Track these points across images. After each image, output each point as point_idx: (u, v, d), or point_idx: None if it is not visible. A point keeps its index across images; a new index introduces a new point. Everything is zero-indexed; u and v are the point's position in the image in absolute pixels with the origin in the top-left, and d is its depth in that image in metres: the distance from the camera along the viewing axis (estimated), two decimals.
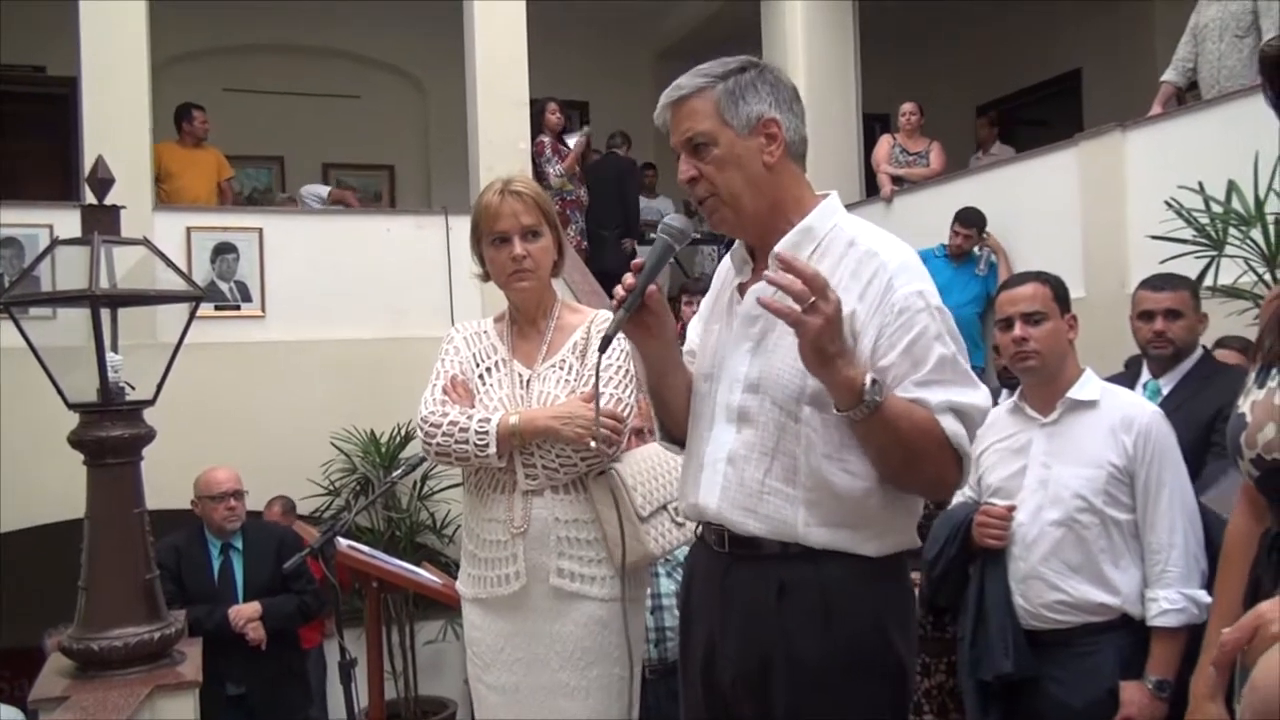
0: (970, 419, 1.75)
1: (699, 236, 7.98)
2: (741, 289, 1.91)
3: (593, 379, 2.29)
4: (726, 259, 2.01)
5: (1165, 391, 3.24)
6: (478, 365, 2.41)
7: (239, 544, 4.51)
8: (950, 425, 1.72)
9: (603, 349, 1.87)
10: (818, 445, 1.77)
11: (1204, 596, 2.39)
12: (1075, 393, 2.59)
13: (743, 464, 1.83)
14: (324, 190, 8.49)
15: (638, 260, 1.85)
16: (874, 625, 1.80)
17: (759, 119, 1.81)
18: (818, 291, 1.61)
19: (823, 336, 1.62)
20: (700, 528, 1.96)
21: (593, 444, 2.20)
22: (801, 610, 1.79)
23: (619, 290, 1.80)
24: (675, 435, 2.03)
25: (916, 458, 1.73)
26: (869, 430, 1.70)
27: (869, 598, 1.80)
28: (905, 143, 7.81)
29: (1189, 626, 2.41)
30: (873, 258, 1.78)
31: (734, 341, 1.89)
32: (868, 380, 1.66)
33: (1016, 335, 2.61)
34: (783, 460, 1.80)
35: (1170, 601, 2.44)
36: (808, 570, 1.79)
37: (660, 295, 1.89)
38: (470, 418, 2.26)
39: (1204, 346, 3.35)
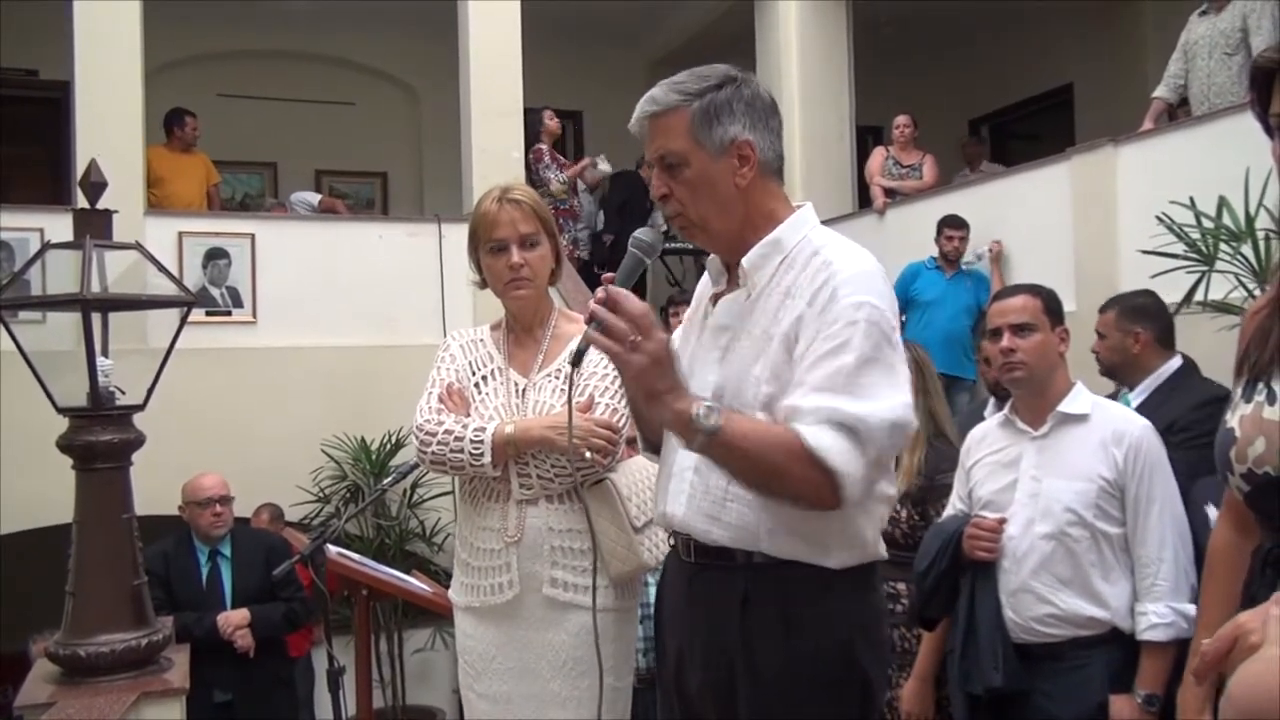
0: (857, 432, 1.66)
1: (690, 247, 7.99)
2: (715, 299, 1.92)
3: (588, 388, 2.29)
4: (709, 266, 2.01)
5: (1134, 404, 3.27)
6: (473, 373, 2.40)
7: (227, 550, 4.48)
8: (816, 438, 1.65)
9: (575, 363, 1.84)
10: None
11: (1193, 610, 2.39)
12: (1066, 406, 2.60)
13: (708, 472, 1.82)
14: (314, 198, 8.49)
15: (608, 274, 1.82)
16: (836, 637, 1.79)
17: (732, 141, 1.79)
18: (643, 331, 1.63)
19: (647, 375, 1.65)
20: (672, 536, 1.97)
21: (587, 454, 2.20)
22: (763, 620, 1.79)
23: (591, 304, 1.79)
24: (658, 446, 2.04)
25: (773, 476, 1.70)
26: (712, 455, 1.72)
27: (831, 610, 1.79)
28: (899, 155, 7.84)
29: (1178, 640, 2.41)
30: (827, 266, 1.77)
31: (704, 351, 1.90)
32: (697, 410, 1.65)
33: (1004, 346, 2.62)
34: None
35: (1159, 615, 2.45)
36: (769, 580, 1.79)
37: None
38: (466, 426, 2.26)
39: (1182, 355, 3.37)
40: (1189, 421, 3.00)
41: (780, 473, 1.68)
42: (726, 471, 1.74)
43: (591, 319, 1.71)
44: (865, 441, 1.67)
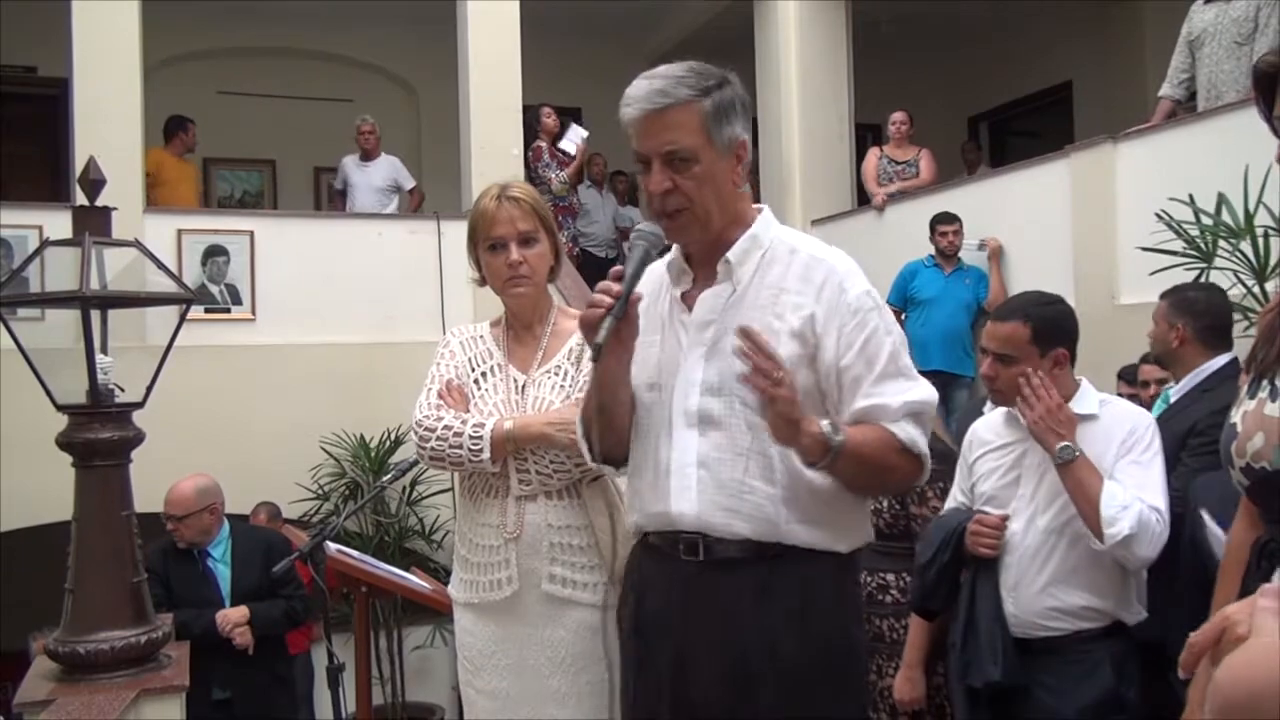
0: (925, 415, 1.85)
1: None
2: (686, 298, 1.94)
3: (588, 385, 2.29)
4: (652, 271, 1.98)
5: (1173, 400, 3.27)
6: (473, 370, 2.41)
7: (216, 553, 4.45)
8: (906, 432, 1.81)
9: (596, 358, 1.82)
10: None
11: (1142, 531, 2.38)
12: (1073, 406, 2.59)
13: (717, 466, 1.84)
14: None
15: (618, 268, 1.82)
16: (843, 621, 1.89)
17: (736, 140, 1.84)
18: (780, 365, 1.71)
19: (792, 406, 1.72)
20: (649, 538, 1.95)
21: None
22: (781, 610, 1.81)
23: (602, 298, 1.77)
24: (617, 454, 2.00)
25: (882, 473, 1.85)
26: (838, 469, 1.78)
27: (840, 595, 1.89)
28: (893, 153, 7.81)
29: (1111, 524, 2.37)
30: (820, 263, 1.87)
31: (687, 349, 1.89)
32: (825, 428, 1.75)
33: (984, 373, 2.65)
34: (758, 459, 1.83)
35: (1123, 500, 2.40)
36: (787, 570, 1.83)
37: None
38: (465, 423, 2.26)
39: (1234, 356, 3.32)
40: (1206, 426, 2.91)
41: (889, 468, 1.84)
42: (839, 479, 1.80)
43: (604, 310, 1.74)
44: (927, 423, 1.87)
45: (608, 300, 1.77)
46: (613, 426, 1.95)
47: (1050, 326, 2.62)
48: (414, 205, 8.31)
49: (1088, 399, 2.61)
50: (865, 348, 1.81)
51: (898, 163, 7.73)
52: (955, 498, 2.83)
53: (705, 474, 1.84)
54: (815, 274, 1.85)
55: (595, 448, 1.98)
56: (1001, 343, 2.61)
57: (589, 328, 1.78)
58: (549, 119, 8.13)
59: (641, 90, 1.81)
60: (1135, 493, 2.44)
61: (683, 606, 1.86)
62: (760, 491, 1.82)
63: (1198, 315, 3.31)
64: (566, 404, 2.27)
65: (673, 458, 1.87)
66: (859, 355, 1.81)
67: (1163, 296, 3.41)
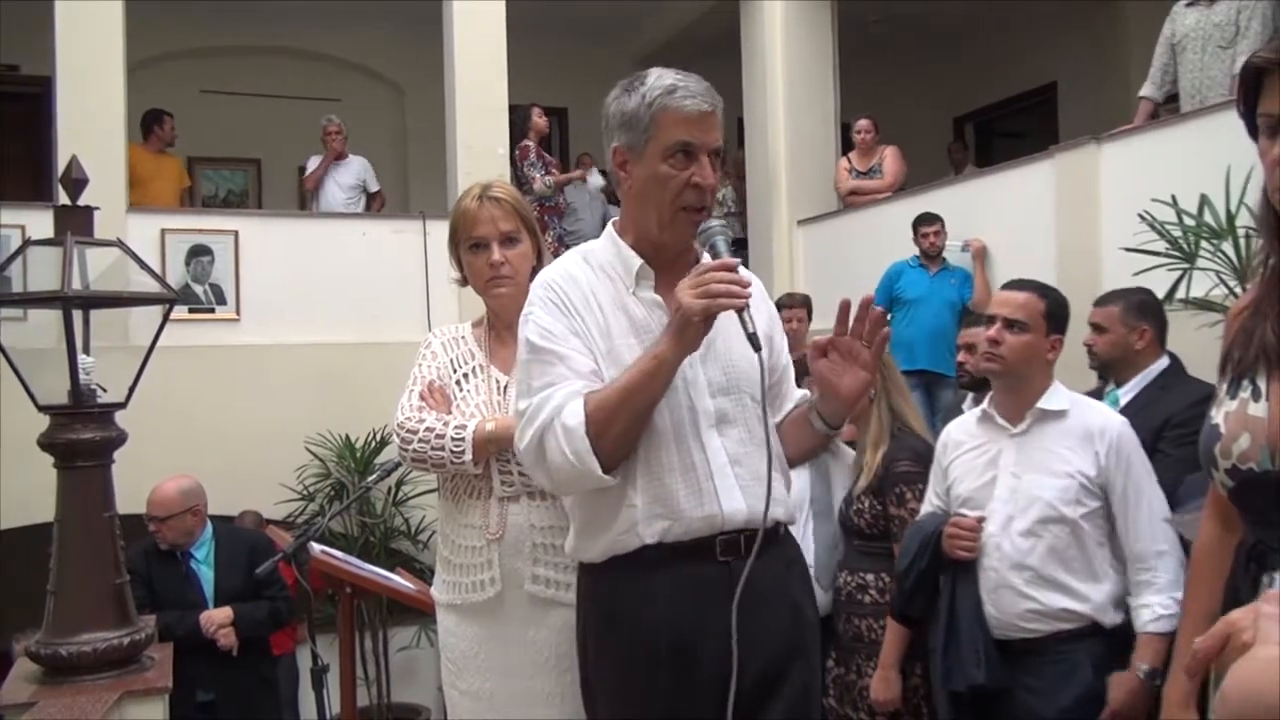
0: None
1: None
2: (667, 301, 1.88)
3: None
4: (587, 276, 1.97)
5: (1124, 401, 3.28)
6: (455, 371, 2.40)
7: (200, 554, 4.43)
8: None
9: (759, 349, 1.79)
10: (777, 433, 1.99)
11: None
12: (1045, 403, 2.62)
13: (746, 460, 1.90)
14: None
15: (728, 260, 1.81)
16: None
17: None
18: None
19: None
20: (677, 547, 1.88)
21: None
22: (799, 577, 2.02)
23: (736, 288, 1.75)
24: (615, 464, 1.85)
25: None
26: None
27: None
28: (858, 162, 7.83)
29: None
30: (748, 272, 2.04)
31: None
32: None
33: (991, 335, 2.63)
34: (765, 448, 1.89)
35: (1164, 607, 2.45)
36: (788, 541, 2.02)
37: None
38: (446, 424, 2.25)
39: (1170, 354, 3.38)
40: (1186, 418, 2.95)
41: None
42: (815, 445, 2.15)
43: (743, 301, 1.78)
44: None
45: (746, 291, 1.77)
46: (639, 433, 1.86)
47: (1060, 310, 2.69)
48: (377, 209, 8.29)
49: (1058, 396, 2.64)
50: (784, 349, 2.12)
51: (862, 173, 7.76)
52: (930, 502, 2.84)
53: (743, 471, 1.89)
54: (758, 288, 2.01)
55: (606, 460, 1.82)
56: (1016, 308, 2.63)
57: (708, 316, 1.77)
58: (539, 119, 8.10)
59: (700, 86, 1.89)
60: (1154, 524, 2.51)
61: (725, 600, 1.79)
62: (777, 478, 1.92)
63: (1157, 316, 3.39)
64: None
65: (709, 459, 1.89)
66: (783, 354, 2.10)
67: (1107, 302, 3.43)
